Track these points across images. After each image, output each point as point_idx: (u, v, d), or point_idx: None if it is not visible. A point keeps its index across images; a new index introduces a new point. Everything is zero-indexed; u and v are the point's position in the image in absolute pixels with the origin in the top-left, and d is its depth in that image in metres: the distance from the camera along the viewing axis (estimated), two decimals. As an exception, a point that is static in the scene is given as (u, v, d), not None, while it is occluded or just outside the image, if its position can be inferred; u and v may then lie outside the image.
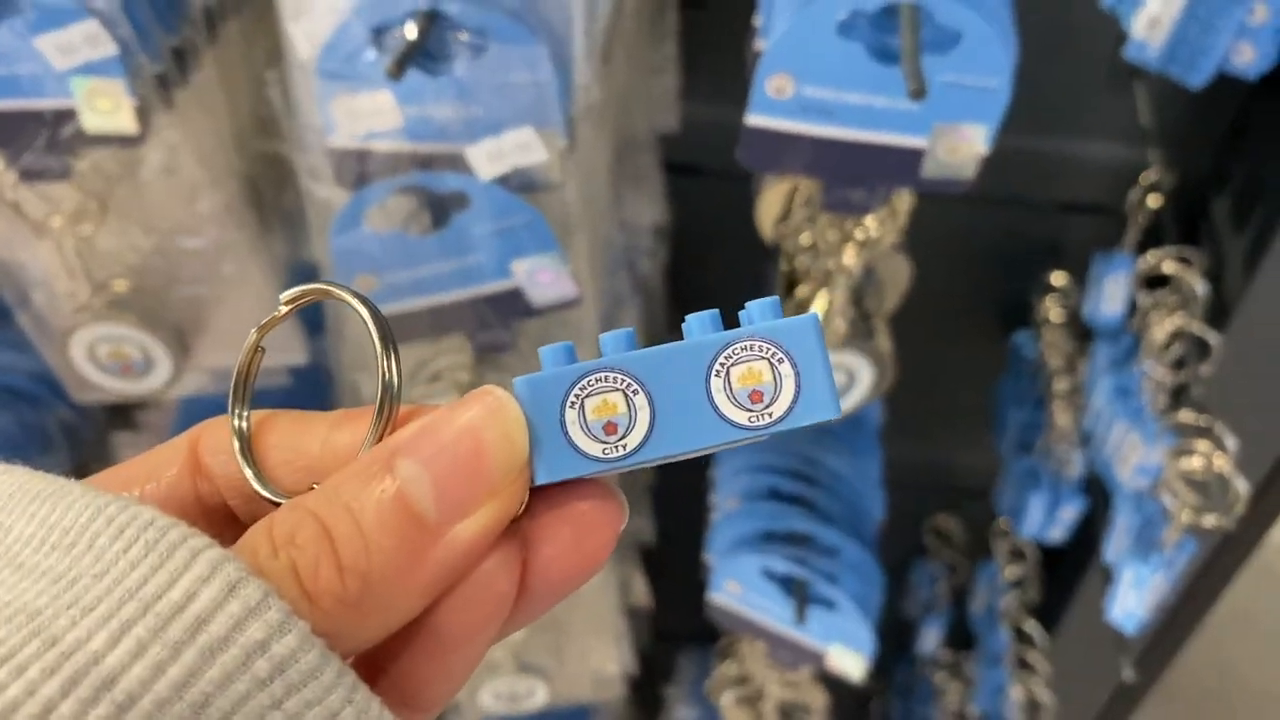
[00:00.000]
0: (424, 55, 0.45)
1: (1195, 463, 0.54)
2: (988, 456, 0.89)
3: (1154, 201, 0.65)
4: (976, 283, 0.85)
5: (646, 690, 1.04)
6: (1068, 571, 0.82)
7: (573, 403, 0.20)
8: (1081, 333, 0.74)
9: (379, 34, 0.45)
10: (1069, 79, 0.71)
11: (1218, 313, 0.64)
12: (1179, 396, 0.60)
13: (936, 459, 0.99)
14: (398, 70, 0.41)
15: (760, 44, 0.49)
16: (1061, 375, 0.72)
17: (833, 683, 0.78)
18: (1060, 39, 0.69)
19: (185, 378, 0.62)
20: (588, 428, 0.20)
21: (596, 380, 0.20)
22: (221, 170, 0.55)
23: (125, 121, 0.49)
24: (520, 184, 0.48)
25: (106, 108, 0.49)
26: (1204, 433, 0.55)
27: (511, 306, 0.52)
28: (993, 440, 0.86)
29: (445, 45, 0.44)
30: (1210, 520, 0.53)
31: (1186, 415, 0.56)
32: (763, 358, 0.20)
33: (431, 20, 0.43)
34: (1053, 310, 0.74)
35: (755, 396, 0.20)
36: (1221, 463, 0.52)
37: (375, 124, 0.46)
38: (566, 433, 0.20)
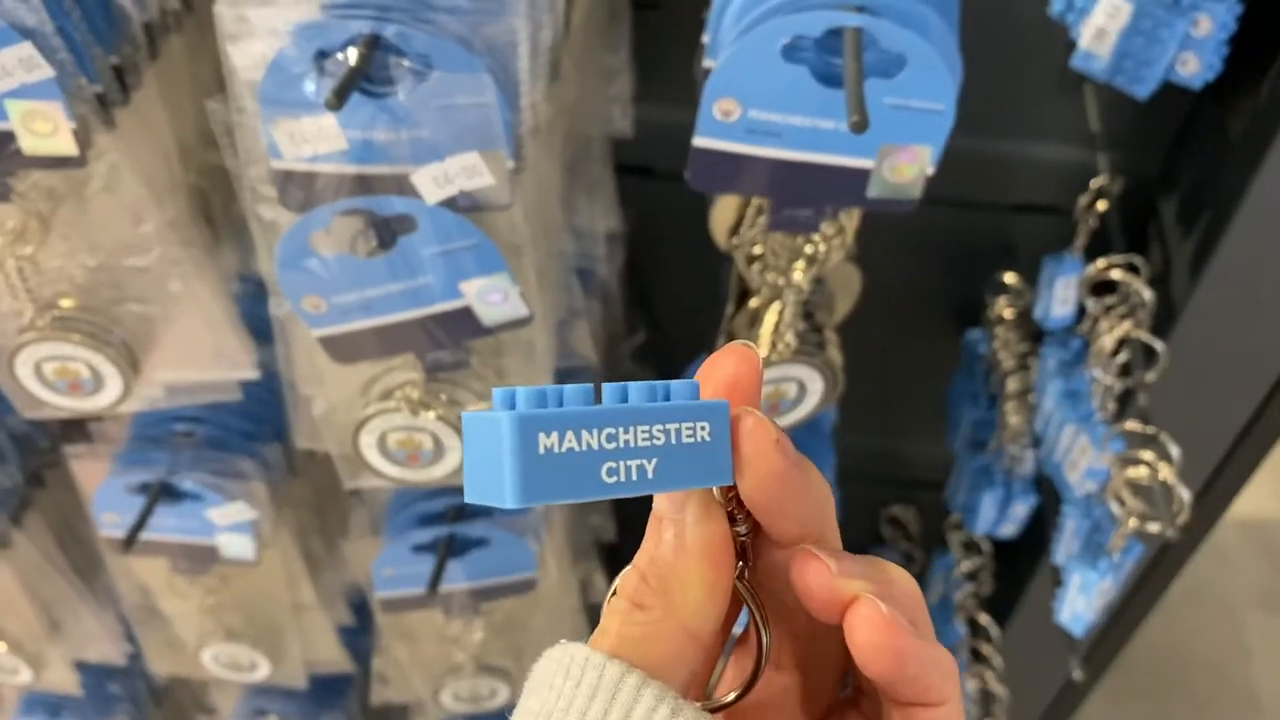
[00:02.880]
0: (367, 80, 0.44)
1: (1141, 471, 0.55)
2: (944, 449, 0.90)
3: (1103, 205, 0.66)
4: (933, 280, 0.86)
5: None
6: (1020, 565, 0.83)
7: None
8: (1034, 333, 0.75)
9: (321, 58, 0.44)
10: (1022, 82, 0.71)
11: (1165, 317, 0.65)
12: (1126, 402, 0.61)
13: (894, 451, 1.00)
14: (337, 100, 0.40)
15: (708, 63, 0.48)
16: (1013, 375, 0.73)
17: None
18: (1014, 43, 0.70)
19: (138, 392, 0.62)
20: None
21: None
22: (166, 187, 0.54)
23: (64, 144, 0.48)
24: (468, 204, 0.48)
25: (45, 130, 0.48)
26: (1149, 441, 0.56)
27: (462, 326, 0.51)
28: (947, 435, 0.87)
29: (387, 70, 0.44)
30: (1155, 528, 0.54)
31: (1133, 424, 0.56)
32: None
33: (373, 46, 0.43)
34: (1005, 310, 0.75)
35: None
36: (1166, 473, 0.53)
37: (319, 147, 0.46)
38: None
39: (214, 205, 0.63)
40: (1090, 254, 0.69)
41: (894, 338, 0.89)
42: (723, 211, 0.61)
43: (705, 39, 0.49)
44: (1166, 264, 0.68)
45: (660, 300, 0.91)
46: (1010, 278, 0.75)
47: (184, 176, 0.58)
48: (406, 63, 0.43)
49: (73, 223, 0.53)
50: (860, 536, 1.05)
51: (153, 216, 0.53)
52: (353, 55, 0.42)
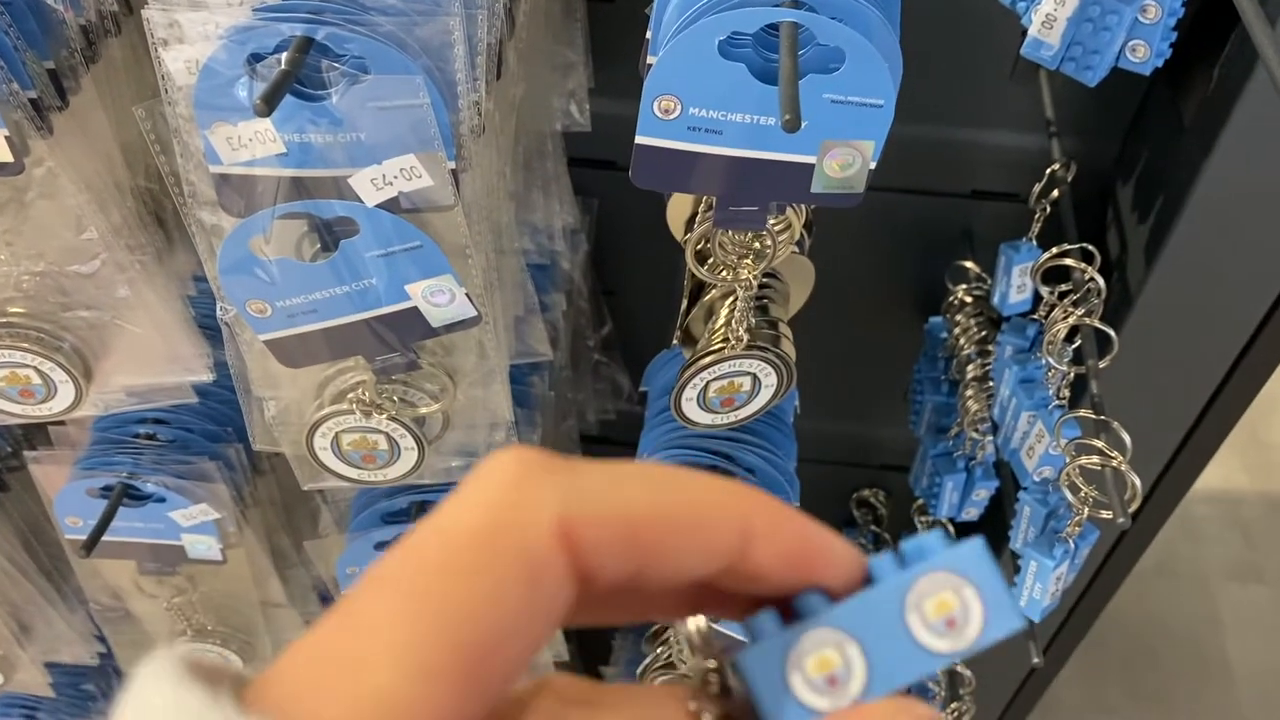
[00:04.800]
0: (300, 83, 0.44)
1: (1094, 459, 0.55)
2: (910, 433, 0.91)
3: (1057, 192, 0.66)
4: (897, 267, 0.86)
5: (586, 672, 1.05)
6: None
7: (794, 664, 0.21)
8: (994, 319, 0.75)
9: (254, 61, 0.44)
10: (980, 70, 0.71)
11: (1120, 302, 0.65)
12: (1081, 389, 0.61)
13: (863, 435, 1.01)
14: (266, 106, 0.40)
15: (651, 59, 0.48)
16: (973, 361, 0.73)
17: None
18: (971, 31, 0.70)
19: (96, 397, 0.61)
20: (811, 685, 0.21)
21: (810, 641, 0.21)
22: (109, 192, 0.54)
23: (-1, 151, 0.47)
24: (410, 206, 0.47)
25: (-22, 137, 0.47)
26: (1102, 428, 0.56)
27: (410, 327, 0.51)
28: (910, 420, 0.87)
29: (321, 73, 0.43)
30: (1108, 516, 0.54)
31: (1085, 411, 0.57)
32: (948, 587, 0.21)
33: (305, 49, 0.42)
34: (964, 297, 0.75)
35: (950, 623, 0.22)
36: (1119, 461, 0.53)
37: (256, 151, 0.45)
38: (794, 694, 0.21)
39: (166, 207, 0.63)
40: (1048, 240, 0.69)
41: (861, 323, 0.89)
42: (679, 205, 0.60)
43: (649, 34, 0.49)
44: (1122, 249, 0.68)
45: (627, 291, 0.91)
46: (969, 265, 0.75)
47: (130, 180, 0.57)
48: (340, 65, 0.43)
49: (14, 230, 0.53)
50: (830, 519, 1.06)
51: (96, 222, 0.53)
52: (284, 59, 0.42)
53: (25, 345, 0.56)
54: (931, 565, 0.21)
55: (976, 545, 0.22)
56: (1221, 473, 1.70)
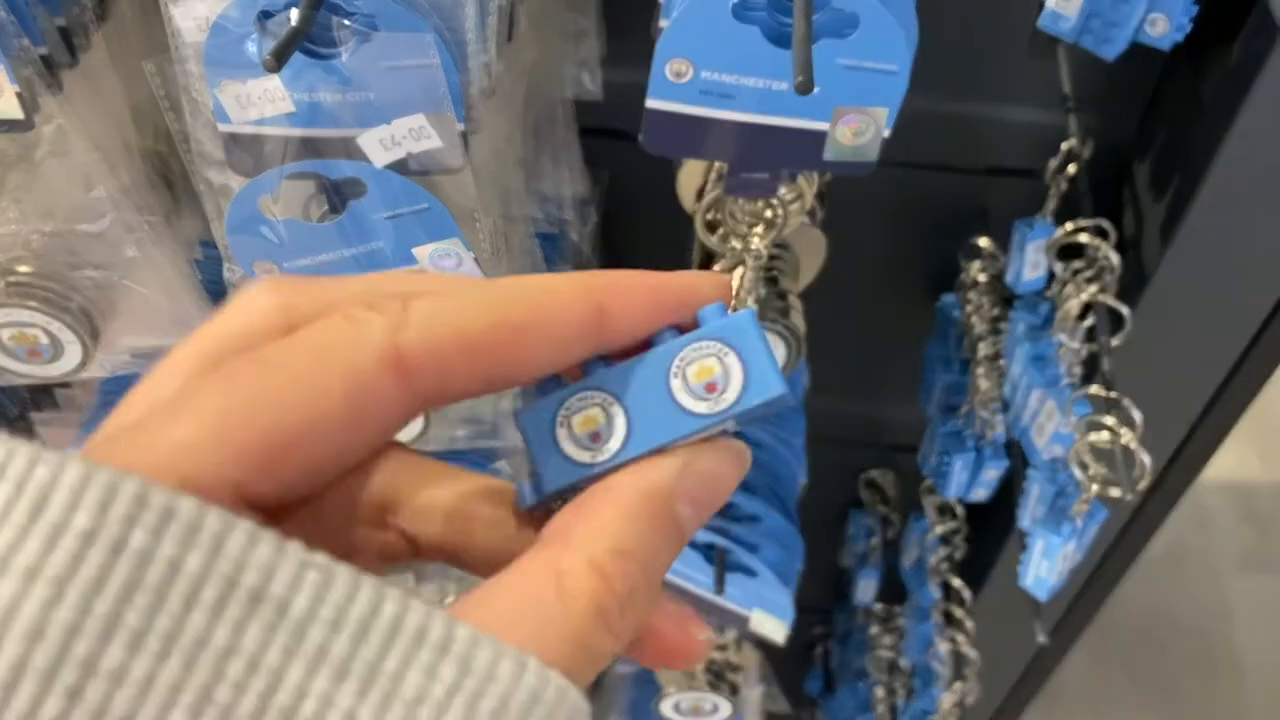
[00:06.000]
0: (311, 41, 0.43)
1: (1104, 436, 0.55)
2: (922, 414, 0.90)
3: (1074, 169, 0.65)
4: (909, 244, 0.85)
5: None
6: (992, 530, 0.83)
7: (562, 422, 0.23)
8: (1006, 297, 0.74)
9: (265, 18, 0.43)
10: (996, 43, 0.70)
11: (1135, 281, 0.65)
12: (1093, 367, 0.61)
13: (872, 415, 1.00)
14: (276, 62, 0.39)
15: (663, 22, 0.48)
16: (985, 339, 0.73)
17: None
18: (987, 3, 0.69)
19: (102, 359, 0.61)
20: (576, 441, 0.23)
21: (578, 401, 0.23)
22: (118, 152, 0.54)
23: (9, 107, 0.47)
24: (420, 167, 0.47)
25: (-12, 93, 0.47)
26: (1113, 406, 0.56)
27: (417, 291, 0.51)
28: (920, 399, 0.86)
29: (331, 30, 0.43)
30: (1116, 493, 0.54)
31: (1096, 389, 0.56)
32: (711, 354, 0.23)
33: (317, 6, 0.42)
34: (978, 274, 0.74)
35: (710, 388, 0.23)
36: (1128, 438, 0.53)
37: (265, 110, 0.45)
38: (560, 447, 0.23)
39: (174, 170, 0.63)
40: (1063, 218, 0.68)
41: (871, 301, 0.89)
42: (689, 174, 0.60)
43: (661, -3, 0.48)
44: (1138, 228, 0.67)
45: (635, 262, 0.90)
46: (983, 242, 0.75)
47: (139, 141, 0.57)
48: (349, 23, 0.43)
49: (24, 187, 0.53)
50: (838, 499, 1.05)
51: (105, 181, 0.53)
52: (294, 16, 0.41)
53: (34, 304, 0.56)
54: (700, 334, 0.23)
55: (744, 316, 0.23)
56: (1234, 462, 1.69)
